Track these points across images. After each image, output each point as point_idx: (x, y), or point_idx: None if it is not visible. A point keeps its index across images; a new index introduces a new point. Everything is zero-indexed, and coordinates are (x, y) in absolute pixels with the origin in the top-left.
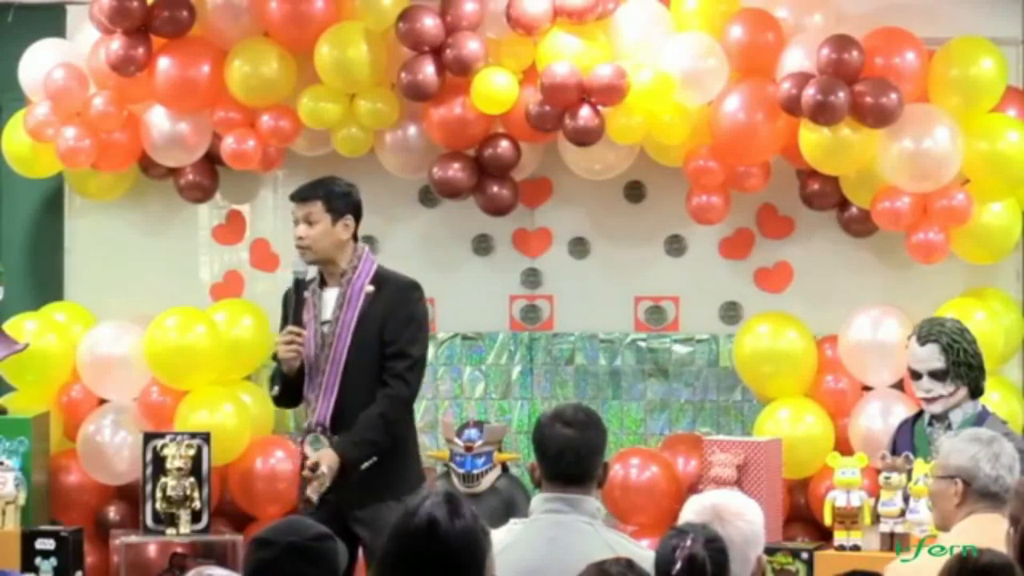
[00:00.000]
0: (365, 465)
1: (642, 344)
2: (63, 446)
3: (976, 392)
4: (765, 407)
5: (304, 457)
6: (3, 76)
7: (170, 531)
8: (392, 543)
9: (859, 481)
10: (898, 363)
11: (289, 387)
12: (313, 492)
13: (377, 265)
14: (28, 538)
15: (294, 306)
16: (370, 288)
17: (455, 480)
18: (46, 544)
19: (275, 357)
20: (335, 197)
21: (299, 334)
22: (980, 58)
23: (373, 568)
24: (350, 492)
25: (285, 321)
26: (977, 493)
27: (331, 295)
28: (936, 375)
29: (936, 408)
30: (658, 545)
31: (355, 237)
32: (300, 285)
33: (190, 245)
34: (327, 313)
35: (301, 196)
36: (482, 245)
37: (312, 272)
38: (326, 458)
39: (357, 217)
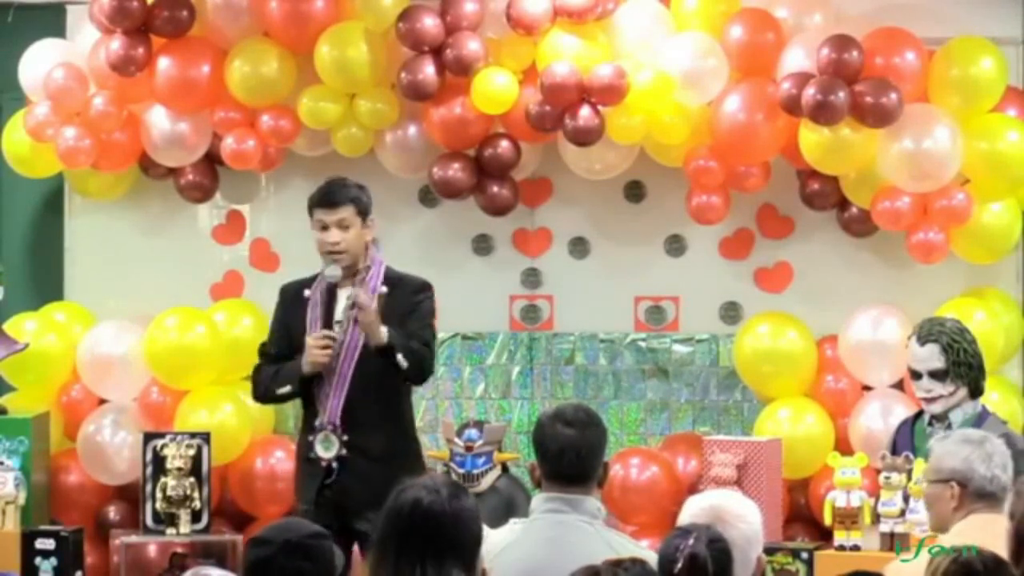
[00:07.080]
0: (399, 358)
1: (642, 344)
2: (63, 446)
3: (976, 392)
4: (765, 407)
5: (308, 459)
6: (3, 76)
7: (170, 531)
8: (386, 521)
9: (859, 481)
10: (898, 363)
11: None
12: (361, 299)
13: (385, 265)
14: (28, 538)
15: (323, 310)
16: (383, 289)
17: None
18: (46, 544)
19: (275, 356)
20: (361, 199)
21: (333, 338)
22: (980, 58)
23: (371, 551)
24: (362, 491)
25: (278, 322)
26: (974, 495)
27: (342, 295)
28: (936, 375)
29: (936, 408)
30: (661, 545)
31: None
32: (332, 289)
33: (190, 245)
34: (338, 313)
35: (332, 201)
36: (482, 245)
37: (340, 274)
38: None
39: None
